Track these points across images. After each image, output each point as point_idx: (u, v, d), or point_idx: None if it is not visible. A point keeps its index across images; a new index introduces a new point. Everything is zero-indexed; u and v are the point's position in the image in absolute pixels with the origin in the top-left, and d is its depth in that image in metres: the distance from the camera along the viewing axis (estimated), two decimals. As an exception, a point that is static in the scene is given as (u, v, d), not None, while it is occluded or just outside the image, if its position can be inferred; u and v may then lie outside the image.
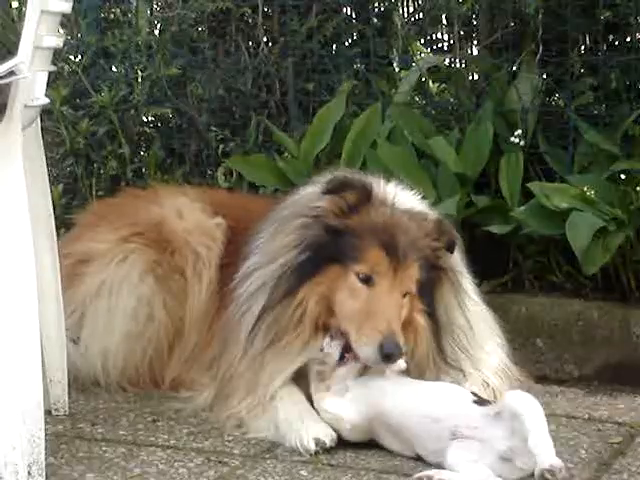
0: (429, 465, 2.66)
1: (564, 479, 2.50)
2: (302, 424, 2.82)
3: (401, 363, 2.82)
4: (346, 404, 2.80)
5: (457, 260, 3.04)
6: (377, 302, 2.82)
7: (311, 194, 3.03)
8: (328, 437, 2.79)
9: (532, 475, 2.53)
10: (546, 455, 2.49)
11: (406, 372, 2.84)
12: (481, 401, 2.73)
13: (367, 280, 2.85)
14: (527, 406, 2.58)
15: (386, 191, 2.97)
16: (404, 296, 2.86)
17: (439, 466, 2.63)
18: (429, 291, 2.92)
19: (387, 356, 2.75)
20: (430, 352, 2.91)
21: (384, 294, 2.83)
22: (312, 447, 2.77)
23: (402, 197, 3.00)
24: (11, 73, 2.53)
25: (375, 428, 2.79)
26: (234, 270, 3.16)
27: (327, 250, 2.88)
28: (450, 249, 2.95)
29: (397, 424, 2.74)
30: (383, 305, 2.81)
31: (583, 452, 2.86)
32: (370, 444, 2.81)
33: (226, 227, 3.38)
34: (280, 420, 2.86)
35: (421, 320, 2.90)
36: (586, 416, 3.16)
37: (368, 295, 2.84)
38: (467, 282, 3.07)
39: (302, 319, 2.86)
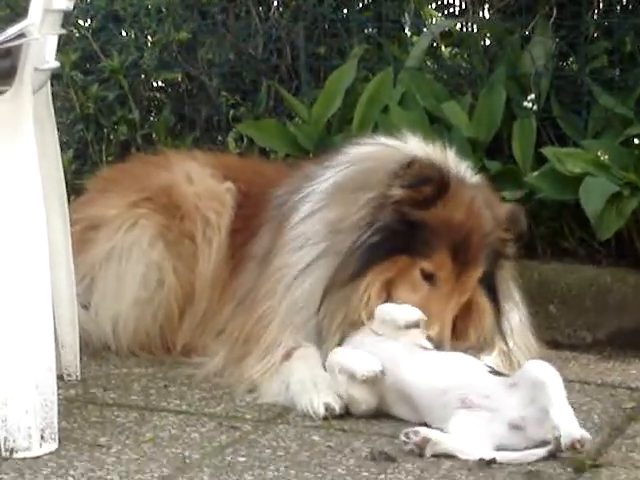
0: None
1: (587, 455, 2.50)
2: (314, 387, 2.82)
3: (426, 342, 2.80)
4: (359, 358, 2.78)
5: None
6: (433, 304, 2.83)
7: (376, 168, 2.96)
8: (338, 403, 2.78)
9: (540, 446, 2.52)
10: (573, 426, 2.49)
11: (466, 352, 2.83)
12: (496, 372, 2.73)
13: (430, 278, 2.85)
14: (549, 376, 2.58)
15: (459, 175, 2.92)
16: (463, 292, 2.87)
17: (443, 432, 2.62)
18: (492, 276, 2.92)
19: None
20: (491, 334, 2.92)
21: (443, 297, 2.84)
22: (321, 411, 2.77)
23: (469, 174, 2.97)
24: (21, 36, 2.51)
25: (385, 394, 2.78)
26: (246, 235, 3.15)
27: (398, 239, 2.84)
28: (519, 240, 2.95)
29: (408, 391, 2.73)
30: (438, 309, 2.82)
31: (596, 417, 2.86)
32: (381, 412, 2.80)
33: (236, 192, 3.36)
34: (293, 381, 2.86)
35: (484, 305, 2.91)
36: (599, 382, 3.16)
37: (427, 293, 2.85)
38: None
39: (368, 304, 2.84)
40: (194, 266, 3.29)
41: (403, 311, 2.80)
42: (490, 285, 2.94)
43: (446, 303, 2.85)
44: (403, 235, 2.85)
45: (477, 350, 2.88)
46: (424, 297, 2.84)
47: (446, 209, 2.85)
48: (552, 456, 2.51)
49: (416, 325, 2.78)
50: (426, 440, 2.55)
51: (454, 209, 2.86)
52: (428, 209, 2.85)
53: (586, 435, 2.48)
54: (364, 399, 2.78)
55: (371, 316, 2.86)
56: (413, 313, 2.79)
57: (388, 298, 2.86)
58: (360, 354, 2.77)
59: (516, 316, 3.07)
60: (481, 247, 2.86)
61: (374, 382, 2.74)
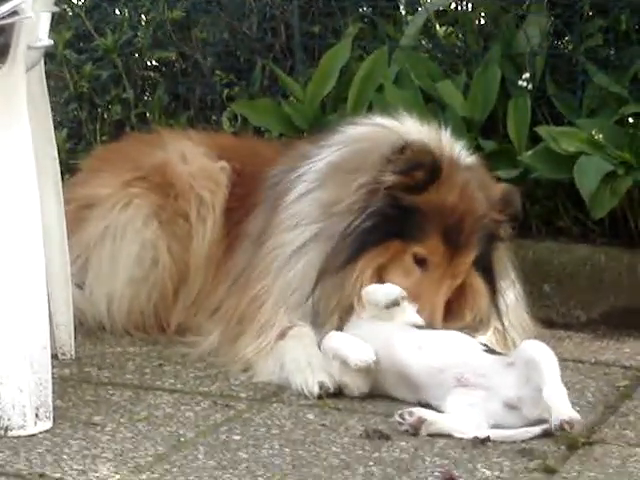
0: (433, 409, 2.66)
1: (580, 432, 2.50)
2: (309, 366, 2.82)
3: (418, 319, 2.80)
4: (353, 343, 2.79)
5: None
6: (425, 288, 2.83)
7: (370, 150, 2.96)
8: (332, 382, 2.78)
9: (534, 425, 2.54)
10: (564, 407, 2.49)
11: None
12: (492, 351, 2.73)
13: (422, 262, 2.85)
14: (544, 356, 2.59)
15: (453, 157, 2.92)
16: (456, 276, 2.86)
17: (440, 411, 2.63)
18: (488, 257, 2.92)
19: None
20: (487, 315, 2.93)
21: (434, 281, 2.84)
22: (316, 390, 2.77)
23: (463, 155, 2.97)
24: (14, 13, 2.51)
25: (380, 372, 2.78)
26: (241, 214, 3.15)
27: (391, 224, 2.85)
28: (514, 220, 2.95)
29: (404, 371, 2.74)
30: (429, 293, 2.82)
31: (590, 395, 2.87)
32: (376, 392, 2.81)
33: (230, 171, 3.36)
34: (287, 360, 2.86)
35: (479, 286, 2.91)
36: (593, 360, 3.17)
37: (419, 278, 2.85)
38: None
39: (361, 289, 2.83)
40: (188, 245, 3.29)
41: (383, 290, 2.80)
42: (485, 266, 2.94)
43: (438, 287, 2.85)
44: (396, 220, 2.85)
45: (473, 330, 2.88)
46: (416, 282, 2.85)
47: (439, 193, 2.85)
48: (547, 434, 2.52)
49: (396, 303, 2.77)
50: (421, 420, 2.56)
51: (447, 193, 2.86)
52: (420, 194, 2.85)
53: (575, 416, 2.49)
54: (357, 386, 2.78)
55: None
56: (392, 291, 2.78)
57: (381, 283, 2.86)
58: (355, 341, 2.77)
59: (511, 295, 3.07)
60: (474, 230, 2.86)
61: (368, 370, 2.75)
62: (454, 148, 2.98)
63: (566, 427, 2.47)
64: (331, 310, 2.87)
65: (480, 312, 2.93)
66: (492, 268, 2.95)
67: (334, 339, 2.81)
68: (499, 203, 2.92)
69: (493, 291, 2.96)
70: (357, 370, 2.74)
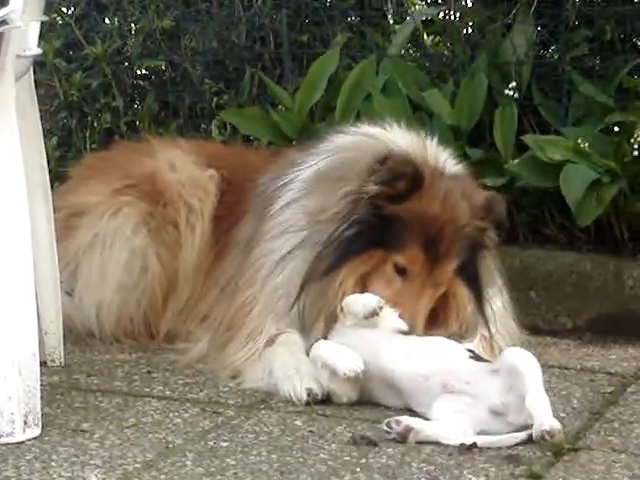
0: (420, 416, 2.67)
1: (561, 440, 2.52)
2: (297, 373, 2.83)
3: (401, 324, 2.82)
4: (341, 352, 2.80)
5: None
6: (405, 298, 2.84)
7: (357, 159, 2.98)
8: (320, 389, 2.80)
9: (519, 430, 2.55)
10: (545, 416, 2.50)
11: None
12: (477, 357, 2.74)
13: (402, 272, 2.86)
14: (527, 364, 2.59)
15: (437, 167, 2.94)
16: (437, 286, 2.88)
17: (426, 418, 2.64)
18: (473, 265, 2.93)
19: None
20: (473, 323, 2.94)
21: (415, 291, 2.85)
22: (304, 397, 2.79)
23: (448, 164, 2.98)
24: (3, 22, 2.51)
25: (367, 379, 2.79)
26: (230, 222, 3.16)
27: (374, 233, 2.87)
28: (498, 228, 2.96)
29: (390, 378, 2.75)
30: (410, 303, 2.83)
31: (575, 402, 2.89)
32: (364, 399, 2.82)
33: (219, 179, 3.38)
34: (276, 367, 2.88)
35: (463, 295, 2.92)
36: (578, 367, 3.19)
37: (400, 288, 2.86)
38: None
39: (343, 297, 2.84)
40: (177, 252, 3.31)
41: (362, 301, 2.81)
42: (471, 275, 2.95)
43: (418, 296, 2.86)
44: (378, 229, 2.87)
45: (459, 337, 2.90)
46: (397, 291, 2.86)
47: (420, 203, 2.87)
48: (533, 440, 2.53)
49: (375, 314, 2.78)
50: (408, 429, 2.56)
51: (428, 203, 2.87)
52: (402, 203, 2.87)
53: (556, 425, 2.49)
54: (345, 393, 2.80)
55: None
56: (371, 302, 2.79)
57: (363, 292, 2.87)
58: (343, 350, 2.78)
59: (498, 302, 3.09)
60: (455, 240, 2.87)
61: (356, 379, 2.76)
62: (439, 157, 3.00)
63: (547, 437, 2.48)
64: (315, 316, 2.89)
65: (465, 321, 2.94)
66: (477, 276, 2.97)
67: (322, 348, 2.82)
68: (482, 211, 2.92)
69: (479, 299, 2.97)
70: (346, 379, 2.76)
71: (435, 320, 2.92)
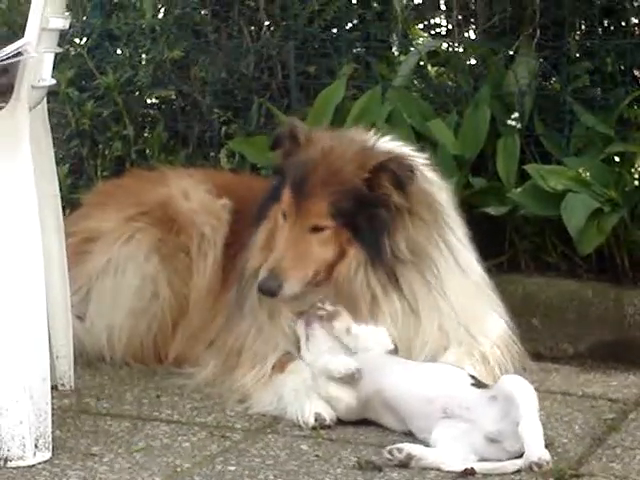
0: (420, 441, 2.69)
1: (550, 471, 2.52)
2: (307, 398, 2.87)
3: (388, 343, 2.87)
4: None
5: (442, 205, 3.08)
6: (277, 239, 2.97)
7: None
8: (328, 414, 2.84)
9: (518, 457, 2.56)
10: (535, 446, 2.50)
11: (336, 303, 2.93)
12: (478, 384, 2.75)
13: (284, 217, 2.98)
14: (522, 392, 2.60)
15: (329, 131, 3.14)
16: (314, 231, 2.94)
17: (426, 443, 2.66)
18: (376, 223, 2.94)
19: (261, 290, 2.91)
20: (360, 282, 2.94)
21: (284, 231, 2.96)
22: (311, 421, 2.83)
23: (376, 142, 3.06)
24: (18, 54, 2.55)
25: (371, 404, 2.83)
26: (239, 249, 3.21)
27: (275, 192, 3.06)
28: (398, 188, 2.94)
29: (393, 402, 2.78)
30: (278, 242, 2.96)
31: (577, 428, 2.91)
32: (369, 421, 2.85)
33: (232, 208, 3.42)
34: (286, 391, 2.91)
35: (349, 250, 2.95)
36: (580, 393, 3.21)
37: (281, 230, 2.98)
38: (466, 252, 3.10)
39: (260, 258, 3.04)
40: (188, 279, 3.34)
41: (337, 364, 2.86)
42: (373, 234, 2.93)
43: (286, 236, 2.95)
44: (277, 188, 3.05)
45: (351, 302, 2.92)
46: (279, 234, 2.98)
47: (298, 155, 3.03)
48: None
49: (351, 378, 2.83)
50: (410, 456, 2.59)
51: (306, 155, 3.02)
52: (288, 159, 3.06)
53: (545, 457, 2.49)
54: (343, 397, 2.83)
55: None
56: (347, 366, 2.83)
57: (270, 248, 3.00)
58: (339, 357, 2.85)
59: (500, 329, 3.12)
60: (322, 183, 2.95)
61: (352, 380, 2.81)
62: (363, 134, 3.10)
63: (534, 468, 2.48)
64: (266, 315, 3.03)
65: (347, 277, 2.94)
66: (380, 240, 2.93)
67: (322, 359, 2.88)
68: (376, 167, 2.94)
69: (373, 259, 2.94)
70: (341, 380, 2.81)
71: (326, 278, 2.96)
